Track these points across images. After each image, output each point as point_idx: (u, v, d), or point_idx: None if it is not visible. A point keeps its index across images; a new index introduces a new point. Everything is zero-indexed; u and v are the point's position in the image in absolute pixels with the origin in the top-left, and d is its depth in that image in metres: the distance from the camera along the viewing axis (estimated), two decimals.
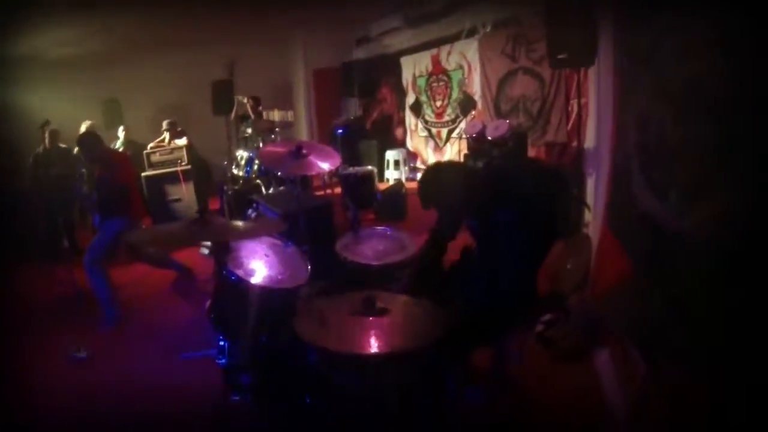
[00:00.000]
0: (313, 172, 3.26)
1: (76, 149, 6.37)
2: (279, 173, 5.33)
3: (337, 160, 3.18)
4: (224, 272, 2.30)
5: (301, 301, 2.35)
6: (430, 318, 1.79)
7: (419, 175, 8.60)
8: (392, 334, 1.67)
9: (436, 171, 2.39)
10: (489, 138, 5.29)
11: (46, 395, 3.14)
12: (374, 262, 2.80)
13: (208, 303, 2.56)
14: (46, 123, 5.87)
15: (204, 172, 7.35)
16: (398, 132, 9.42)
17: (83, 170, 5.92)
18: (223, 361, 2.42)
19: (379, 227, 3.33)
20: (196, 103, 8.33)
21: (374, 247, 2.98)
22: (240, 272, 2.33)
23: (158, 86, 8.98)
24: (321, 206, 4.31)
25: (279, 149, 3.23)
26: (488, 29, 6.49)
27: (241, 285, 2.28)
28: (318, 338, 1.71)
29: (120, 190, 4.32)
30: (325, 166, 3.08)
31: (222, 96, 7.44)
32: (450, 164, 3.13)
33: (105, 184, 4.29)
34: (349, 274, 2.79)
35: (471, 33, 6.81)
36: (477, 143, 5.81)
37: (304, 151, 2.98)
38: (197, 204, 6.57)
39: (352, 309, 1.73)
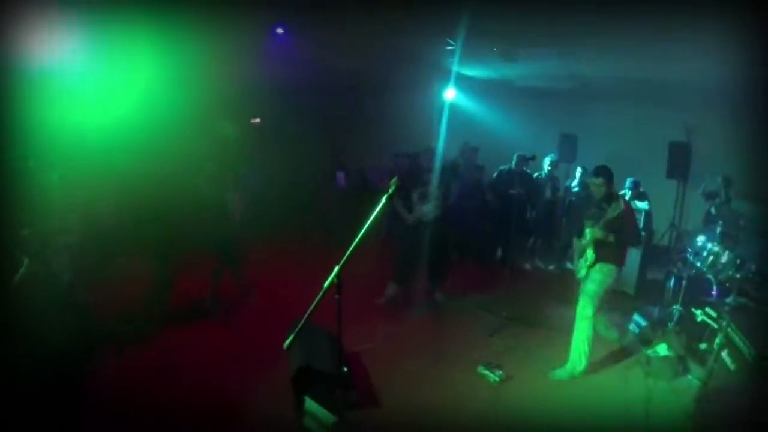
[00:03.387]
0: None
1: (536, 174, 7.37)
2: None
3: None
4: None
5: None
6: None
7: None
8: None
9: None
10: None
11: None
12: None
13: None
14: (533, 157, 6.30)
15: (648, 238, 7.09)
16: None
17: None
18: None
19: None
20: (645, 158, 8.08)
21: None
22: None
23: (611, 133, 9.00)
24: None
25: None
26: None
27: None
28: None
29: (627, 237, 4.33)
30: None
31: (678, 159, 7.30)
32: None
33: (616, 230, 4.25)
34: None
35: None
36: None
37: None
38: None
39: None
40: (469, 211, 7.24)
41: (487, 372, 4.25)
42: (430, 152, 5.65)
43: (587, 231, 4.44)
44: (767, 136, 7.70)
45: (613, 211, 4.22)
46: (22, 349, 2.93)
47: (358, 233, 2.46)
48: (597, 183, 4.37)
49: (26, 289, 3.02)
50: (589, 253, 4.40)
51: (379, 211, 2.50)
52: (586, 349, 4.34)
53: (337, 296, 2.47)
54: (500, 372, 4.22)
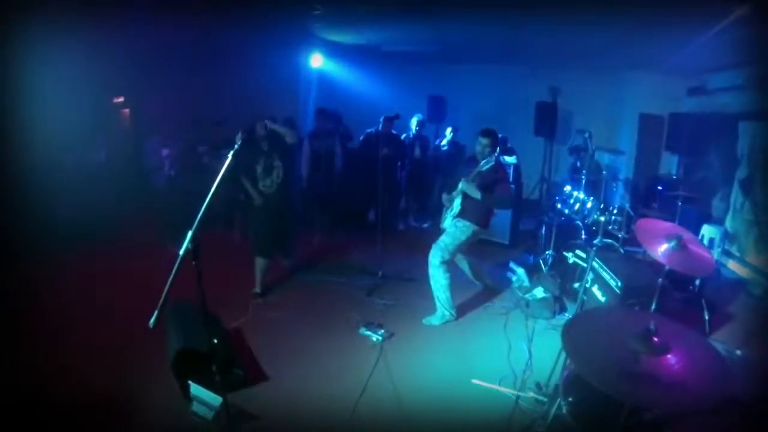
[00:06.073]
0: (682, 270, 2.78)
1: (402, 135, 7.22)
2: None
3: (710, 268, 2.78)
4: None
5: None
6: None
7: (731, 262, 7.32)
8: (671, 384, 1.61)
9: None
10: None
11: None
12: None
13: None
14: (396, 116, 6.24)
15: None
16: (719, 206, 8.19)
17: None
18: None
19: None
20: (513, 117, 8.32)
21: None
22: None
23: (478, 94, 9.15)
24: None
25: (657, 227, 2.91)
26: None
27: None
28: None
29: (496, 197, 4.35)
30: (694, 270, 2.83)
31: (545, 119, 7.69)
32: None
33: (486, 187, 4.32)
34: None
35: None
36: None
37: (684, 242, 2.69)
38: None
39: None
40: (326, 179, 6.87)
41: (368, 332, 4.19)
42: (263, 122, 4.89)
43: (460, 184, 4.54)
44: (620, 95, 8.43)
45: (484, 165, 4.35)
46: None
47: (207, 194, 2.27)
48: (483, 143, 4.44)
49: None
50: (456, 204, 4.55)
51: (225, 169, 2.38)
52: (447, 295, 4.45)
53: (194, 262, 2.23)
54: (382, 330, 4.19)
